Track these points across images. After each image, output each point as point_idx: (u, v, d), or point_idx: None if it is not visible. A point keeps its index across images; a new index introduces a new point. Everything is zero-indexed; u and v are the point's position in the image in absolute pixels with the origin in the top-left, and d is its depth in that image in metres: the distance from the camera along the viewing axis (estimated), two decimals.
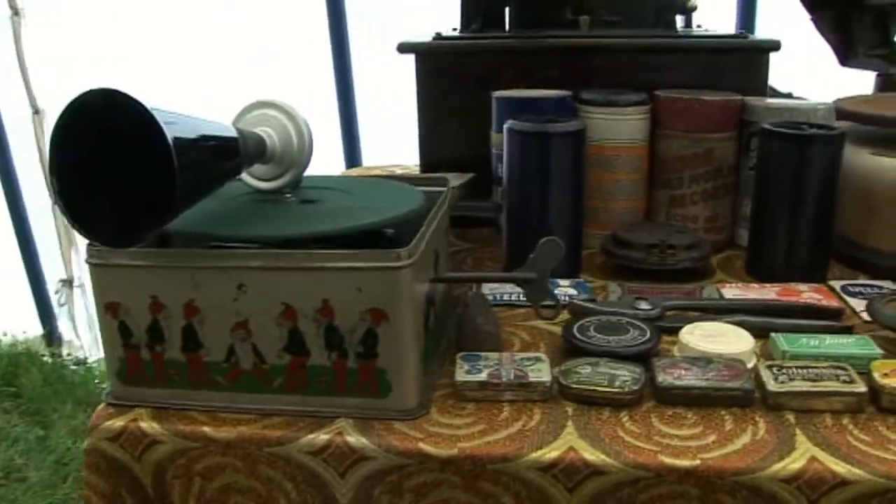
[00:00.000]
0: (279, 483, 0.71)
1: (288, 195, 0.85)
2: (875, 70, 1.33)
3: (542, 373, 0.75)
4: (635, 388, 0.72)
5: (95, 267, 0.71)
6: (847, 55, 1.34)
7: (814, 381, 0.72)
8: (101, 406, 0.75)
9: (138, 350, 0.72)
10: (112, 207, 0.68)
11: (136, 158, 0.65)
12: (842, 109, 1.03)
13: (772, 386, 0.72)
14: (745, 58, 1.14)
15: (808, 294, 0.92)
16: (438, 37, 1.19)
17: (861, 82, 1.36)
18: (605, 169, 1.07)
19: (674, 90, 1.08)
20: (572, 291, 0.95)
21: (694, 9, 1.18)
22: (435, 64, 1.18)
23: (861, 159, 0.99)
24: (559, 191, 0.97)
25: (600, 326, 0.82)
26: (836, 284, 0.95)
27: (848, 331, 0.83)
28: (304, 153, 0.84)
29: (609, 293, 0.95)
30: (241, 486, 0.71)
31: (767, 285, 0.95)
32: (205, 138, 0.72)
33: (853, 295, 0.92)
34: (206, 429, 0.71)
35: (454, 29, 1.35)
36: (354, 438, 0.69)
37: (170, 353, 0.72)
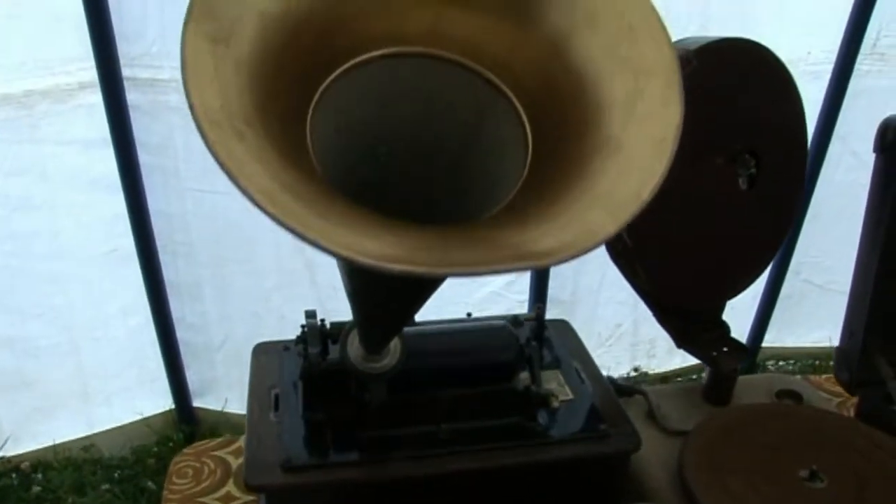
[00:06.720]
0: None
1: None
2: (704, 360, 1.36)
3: None
4: None
5: None
6: (683, 338, 1.35)
7: None
8: None
9: None
10: None
11: None
12: None
13: None
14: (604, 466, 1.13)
15: None
16: (287, 465, 1.05)
17: None
18: None
19: None
20: None
21: (556, 409, 1.13)
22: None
23: None
24: None
25: None
26: None
27: None
28: None
29: None
30: None
31: None
32: None
33: None
34: None
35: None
36: None
37: None
